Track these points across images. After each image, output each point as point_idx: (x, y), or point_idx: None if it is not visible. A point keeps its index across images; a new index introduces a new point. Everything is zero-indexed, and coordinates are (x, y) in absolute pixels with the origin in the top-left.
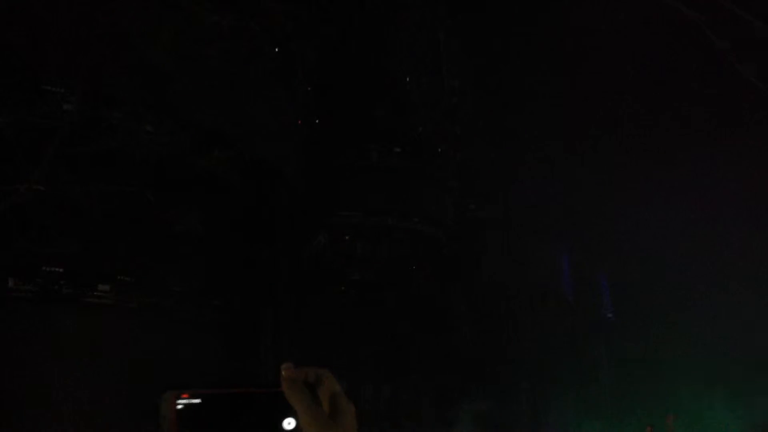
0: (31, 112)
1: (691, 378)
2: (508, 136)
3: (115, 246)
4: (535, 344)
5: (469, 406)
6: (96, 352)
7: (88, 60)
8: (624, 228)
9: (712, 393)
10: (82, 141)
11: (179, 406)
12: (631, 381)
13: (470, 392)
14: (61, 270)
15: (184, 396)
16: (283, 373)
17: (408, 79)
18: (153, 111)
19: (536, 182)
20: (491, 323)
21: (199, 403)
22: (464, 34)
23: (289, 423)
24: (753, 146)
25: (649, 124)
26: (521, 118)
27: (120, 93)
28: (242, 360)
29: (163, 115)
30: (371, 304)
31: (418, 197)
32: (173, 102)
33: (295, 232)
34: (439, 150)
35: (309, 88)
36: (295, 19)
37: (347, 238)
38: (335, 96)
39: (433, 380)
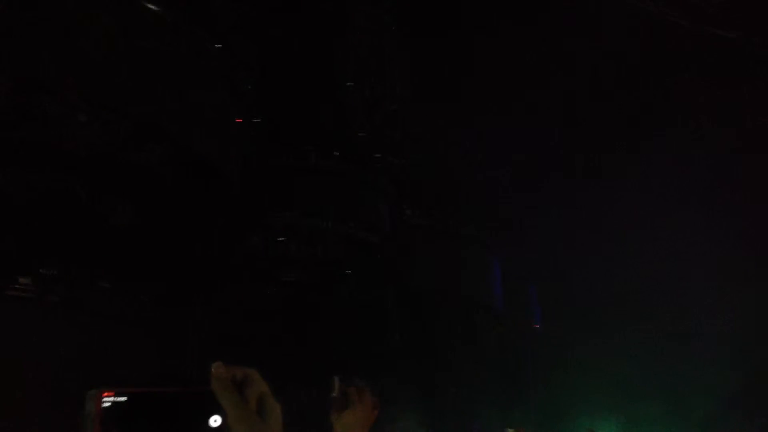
0: None
1: (615, 391)
2: (446, 144)
3: (38, 237)
4: (466, 352)
5: (399, 410)
6: (16, 347)
7: (20, 44)
8: (556, 239)
9: (636, 407)
10: (10, 127)
11: (105, 405)
12: (557, 392)
13: (400, 397)
14: None
15: (110, 394)
16: (213, 371)
17: (350, 83)
18: (87, 101)
19: (472, 191)
20: (423, 330)
21: (125, 401)
22: (410, 40)
23: (215, 421)
24: (687, 143)
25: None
26: (462, 126)
27: (53, 80)
28: (170, 358)
29: (97, 105)
30: (303, 306)
31: (355, 201)
32: (109, 93)
33: (229, 230)
34: (378, 155)
35: (250, 87)
36: (238, 15)
37: (281, 238)
38: (276, 96)
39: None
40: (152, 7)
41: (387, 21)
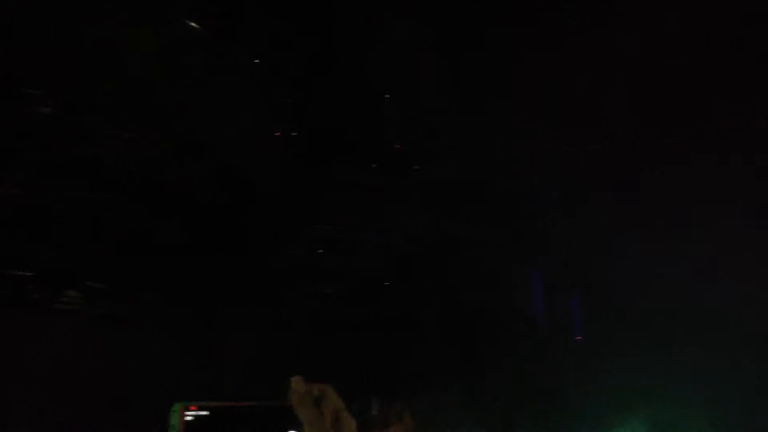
0: (8, 115)
1: (657, 406)
2: (487, 156)
3: (85, 252)
4: (507, 365)
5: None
6: (63, 358)
7: (68, 64)
8: (600, 252)
9: (678, 422)
10: (60, 146)
11: (188, 418)
12: (599, 407)
13: (442, 411)
14: (29, 274)
15: (193, 408)
16: (292, 386)
17: (387, 95)
18: (133, 118)
19: (513, 203)
20: (463, 342)
21: (207, 415)
22: (448, 53)
23: None
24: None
25: (633, 147)
26: (502, 139)
27: (99, 99)
28: (213, 370)
29: (142, 123)
30: (343, 319)
31: (394, 214)
32: (152, 110)
33: (268, 244)
34: (417, 167)
35: (288, 101)
36: (277, 31)
37: (321, 251)
38: (314, 110)
39: (403, 396)
40: (193, 25)
41: (425, 32)
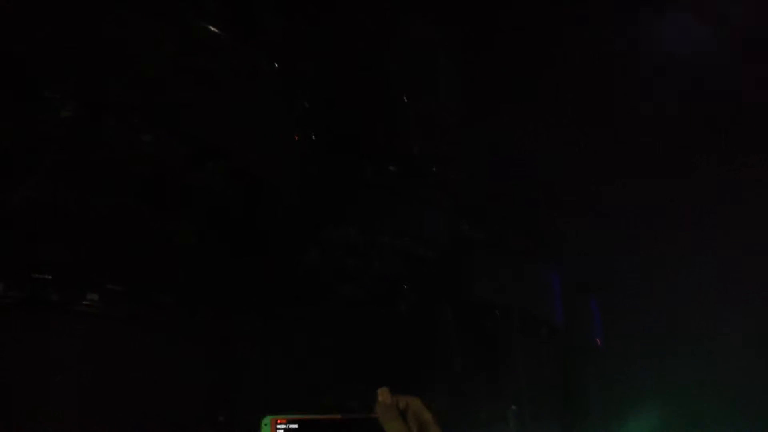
0: (27, 118)
1: (678, 412)
2: (503, 157)
3: (104, 255)
4: (524, 368)
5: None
6: (85, 360)
7: (87, 67)
8: (619, 251)
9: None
10: (79, 148)
11: (279, 430)
12: (621, 410)
13: (455, 414)
14: (50, 277)
15: (282, 421)
16: (379, 398)
17: (405, 97)
18: (151, 122)
19: (529, 204)
20: (480, 345)
21: (296, 428)
22: (464, 55)
23: None
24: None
25: (652, 150)
26: (517, 140)
27: (118, 102)
28: (233, 373)
29: (161, 126)
30: (361, 321)
31: (411, 216)
32: (170, 113)
33: (287, 246)
34: (434, 169)
35: (306, 104)
36: (295, 35)
37: (338, 253)
38: (332, 112)
39: (420, 398)
40: (212, 29)
41: (442, 34)
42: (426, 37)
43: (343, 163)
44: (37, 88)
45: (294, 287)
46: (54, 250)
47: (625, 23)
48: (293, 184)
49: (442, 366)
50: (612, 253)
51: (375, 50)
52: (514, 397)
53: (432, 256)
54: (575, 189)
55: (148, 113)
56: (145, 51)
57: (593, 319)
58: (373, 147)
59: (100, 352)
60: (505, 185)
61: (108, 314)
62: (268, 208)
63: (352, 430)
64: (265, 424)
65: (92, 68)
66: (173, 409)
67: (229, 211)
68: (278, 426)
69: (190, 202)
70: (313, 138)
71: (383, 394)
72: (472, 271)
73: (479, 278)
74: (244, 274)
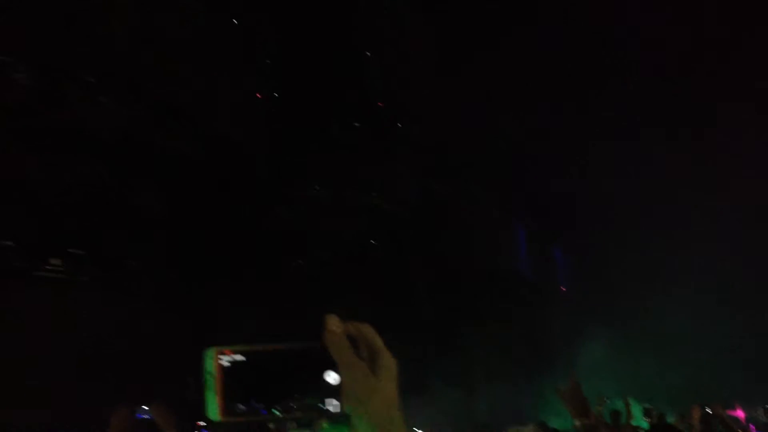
0: None
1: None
2: (470, 112)
3: (67, 219)
4: (494, 320)
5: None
6: (48, 327)
7: (41, 30)
8: (583, 200)
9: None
10: (36, 114)
11: (223, 363)
12: (589, 359)
13: (430, 368)
14: (11, 243)
15: (227, 352)
16: (327, 325)
17: (370, 53)
18: (110, 84)
19: (496, 158)
20: (450, 298)
21: (243, 358)
22: (430, 10)
23: (330, 376)
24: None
25: (612, 102)
26: (484, 94)
27: (75, 64)
28: (201, 334)
29: (120, 88)
30: (331, 280)
31: (379, 173)
32: (130, 75)
33: (254, 207)
34: (401, 126)
35: (269, 62)
36: None
37: (307, 213)
38: (295, 70)
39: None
40: None
41: None
42: None
43: (308, 121)
44: None
45: (261, 247)
46: (14, 216)
47: None
48: (259, 143)
49: (412, 321)
50: (575, 205)
51: (339, 5)
52: (481, 346)
53: (400, 211)
54: (542, 145)
55: (108, 77)
56: (102, 9)
57: (557, 267)
58: (339, 104)
59: (65, 316)
60: (471, 140)
61: (72, 279)
62: (233, 169)
63: (298, 359)
64: (209, 357)
65: (49, 30)
66: (140, 371)
67: (194, 173)
68: (223, 357)
69: (153, 165)
70: (277, 96)
71: (331, 321)
72: (440, 225)
73: (447, 231)
74: (211, 236)
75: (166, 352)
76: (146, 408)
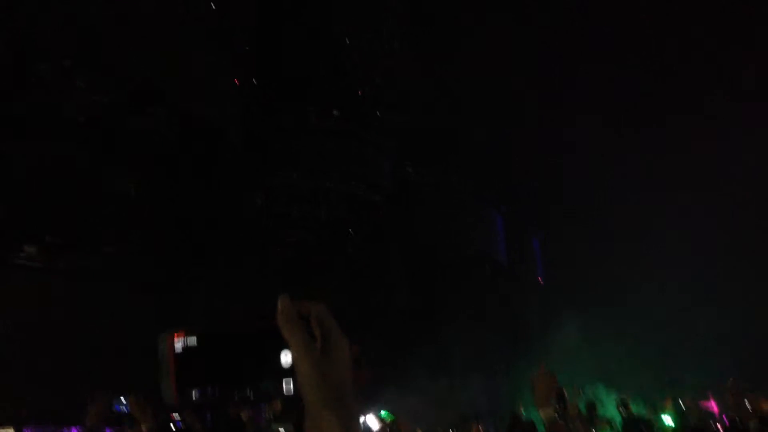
0: None
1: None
2: (447, 100)
3: (41, 207)
4: (470, 307)
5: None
6: (23, 314)
7: (15, 11)
8: (559, 191)
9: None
10: (9, 96)
11: (176, 346)
12: (565, 348)
13: (404, 354)
14: None
15: (180, 335)
16: (279, 305)
17: (348, 41)
18: (85, 66)
19: (472, 147)
20: (427, 286)
21: (196, 341)
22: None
23: (285, 355)
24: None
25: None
26: (461, 83)
27: (50, 46)
28: (176, 321)
29: (96, 70)
30: (308, 266)
31: (356, 160)
32: (107, 58)
33: (232, 192)
34: (378, 113)
35: (247, 48)
36: None
37: (284, 199)
38: (274, 56)
39: (366, 342)
40: None
41: None
42: None
43: (286, 107)
44: None
45: (237, 233)
46: None
47: None
48: (236, 129)
49: (388, 308)
50: (554, 195)
51: None
52: (458, 335)
53: (377, 198)
54: (519, 134)
55: (82, 58)
56: None
57: (535, 257)
58: (317, 91)
59: (40, 304)
60: (450, 128)
61: (47, 267)
62: (211, 153)
63: (252, 340)
64: (162, 340)
65: (22, 12)
66: (118, 357)
67: (171, 157)
68: (176, 340)
69: (129, 148)
70: (255, 82)
71: (283, 301)
72: (416, 213)
73: (425, 220)
74: (189, 223)
75: (142, 339)
76: (123, 399)
